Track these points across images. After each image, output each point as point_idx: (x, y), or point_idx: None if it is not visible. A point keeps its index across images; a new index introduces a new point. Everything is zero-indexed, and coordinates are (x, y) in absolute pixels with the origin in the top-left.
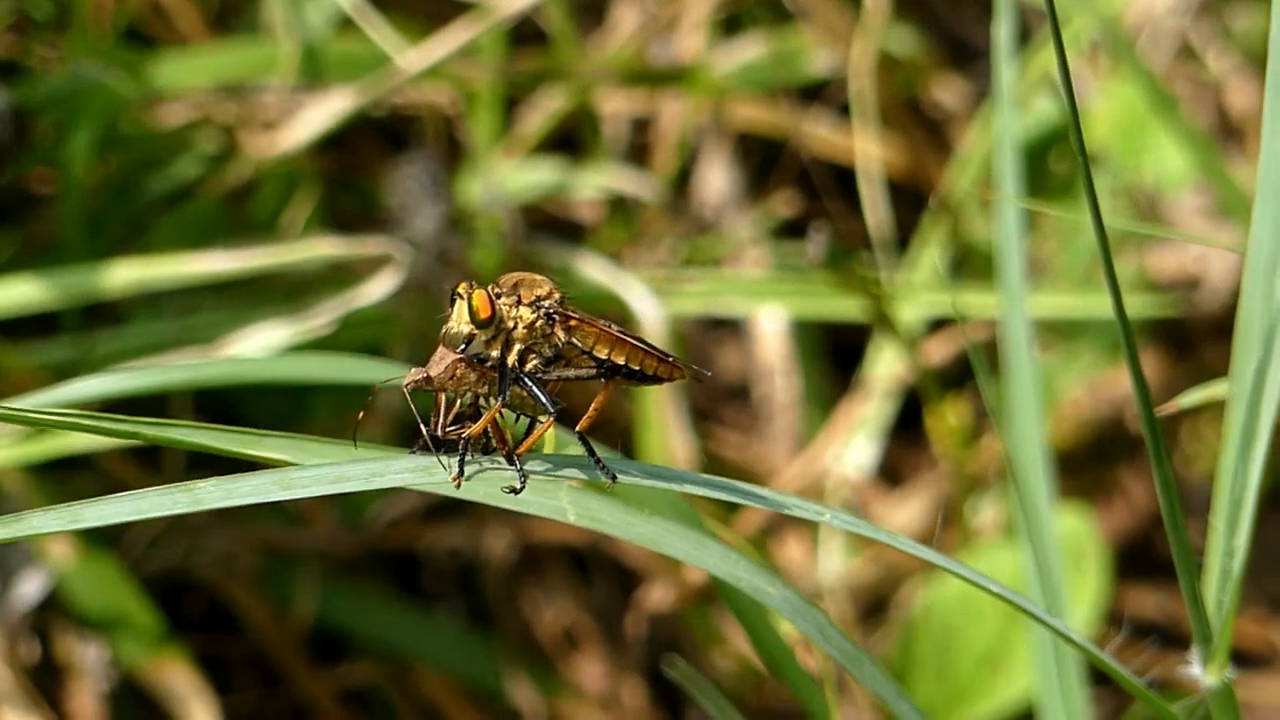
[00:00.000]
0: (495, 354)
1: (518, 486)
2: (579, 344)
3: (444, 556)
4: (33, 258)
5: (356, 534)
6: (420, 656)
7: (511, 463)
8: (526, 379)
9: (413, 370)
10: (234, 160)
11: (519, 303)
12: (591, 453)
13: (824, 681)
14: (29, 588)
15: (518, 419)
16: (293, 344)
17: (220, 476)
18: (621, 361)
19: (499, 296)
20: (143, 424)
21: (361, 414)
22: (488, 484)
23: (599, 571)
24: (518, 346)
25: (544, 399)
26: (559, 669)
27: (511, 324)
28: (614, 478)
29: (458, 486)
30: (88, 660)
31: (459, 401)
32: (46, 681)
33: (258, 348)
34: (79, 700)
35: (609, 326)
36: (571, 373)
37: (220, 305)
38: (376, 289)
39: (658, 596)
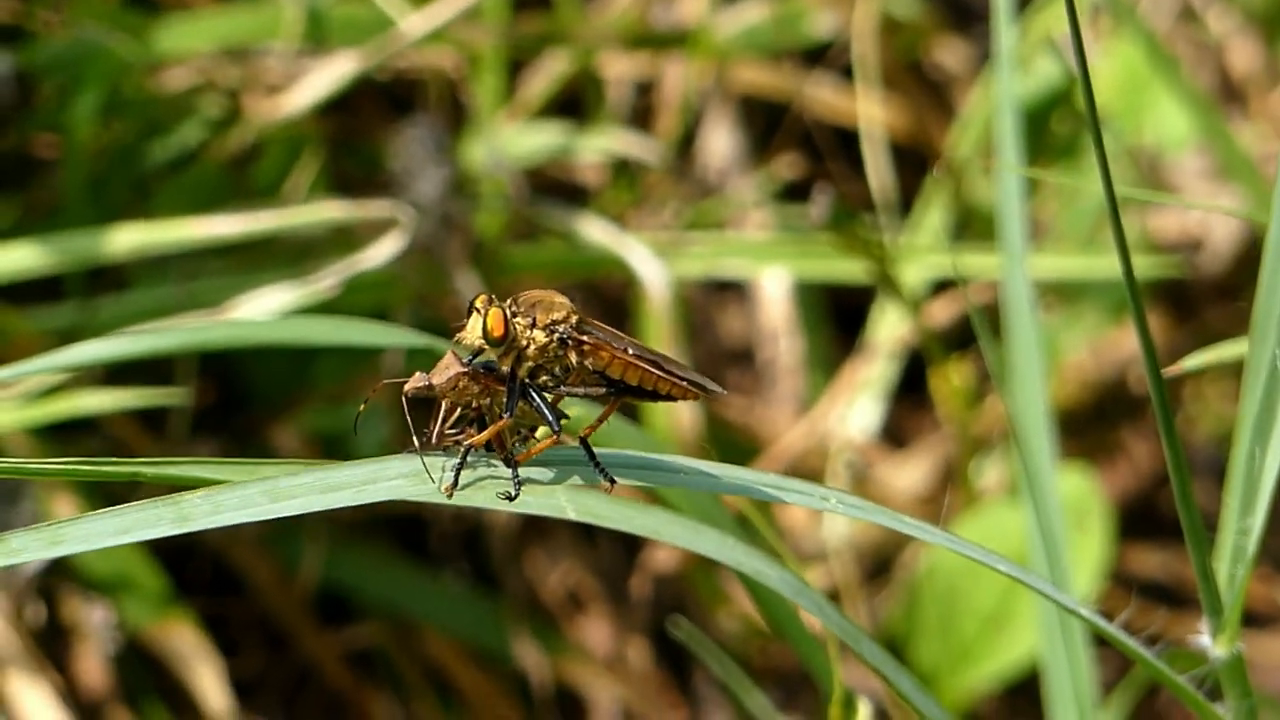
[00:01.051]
0: (506, 368)
1: (513, 494)
2: (591, 366)
3: (449, 519)
4: (36, 222)
5: None
6: (426, 618)
7: (509, 467)
8: (534, 393)
9: (416, 375)
10: (237, 124)
11: (534, 325)
12: (592, 457)
13: (827, 642)
14: None
15: (520, 433)
16: (297, 307)
17: (208, 490)
18: (634, 383)
19: (515, 316)
20: (142, 464)
21: (363, 406)
22: (485, 490)
23: (603, 533)
24: (529, 364)
25: (549, 415)
26: (564, 630)
27: (525, 343)
28: (613, 481)
29: (449, 496)
30: (94, 622)
31: (459, 409)
32: (53, 644)
33: (262, 311)
34: (85, 662)
35: (624, 350)
36: (580, 390)
37: (224, 269)
38: (380, 252)
39: (662, 558)
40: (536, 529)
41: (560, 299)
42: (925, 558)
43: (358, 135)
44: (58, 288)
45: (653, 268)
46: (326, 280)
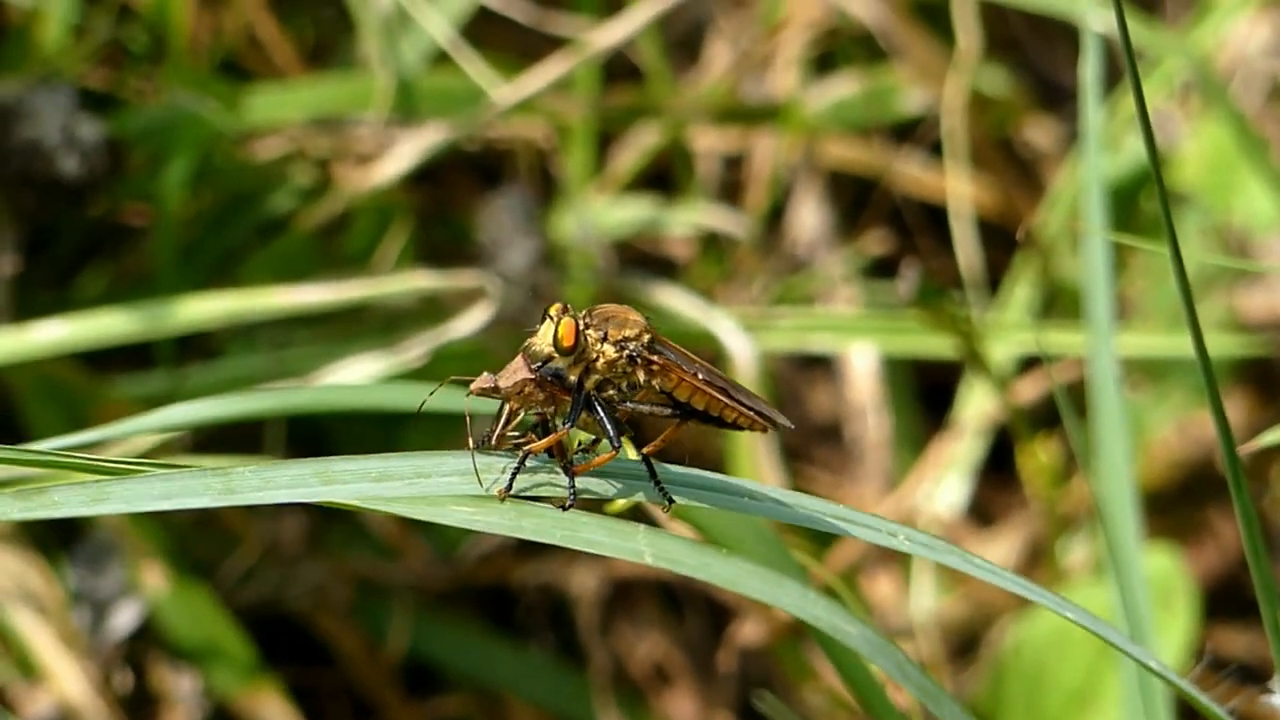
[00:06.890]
0: (574, 378)
1: (567, 503)
2: (659, 386)
3: (535, 591)
4: (126, 290)
5: (449, 567)
6: (512, 690)
7: (567, 475)
8: (598, 406)
9: (484, 375)
10: (327, 194)
11: (605, 339)
12: (653, 475)
13: (913, 718)
14: (123, 618)
15: (582, 444)
16: (385, 377)
17: (258, 464)
18: (700, 407)
19: (587, 328)
20: (183, 466)
21: (429, 394)
22: (550, 520)
23: (690, 607)
24: (596, 376)
25: (611, 430)
26: (651, 704)
27: (594, 356)
28: (671, 501)
29: (502, 499)
30: (181, 690)
31: (523, 413)
32: (140, 712)
33: (351, 381)
34: None
35: (695, 374)
36: (646, 408)
37: (313, 339)
38: (468, 323)
39: (749, 632)
40: (623, 602)
41: (635, 316)
42: (1011, 634)
43: (447, 205)
44: (147, 356)
45: (740, 342)
46: (414, 350)
